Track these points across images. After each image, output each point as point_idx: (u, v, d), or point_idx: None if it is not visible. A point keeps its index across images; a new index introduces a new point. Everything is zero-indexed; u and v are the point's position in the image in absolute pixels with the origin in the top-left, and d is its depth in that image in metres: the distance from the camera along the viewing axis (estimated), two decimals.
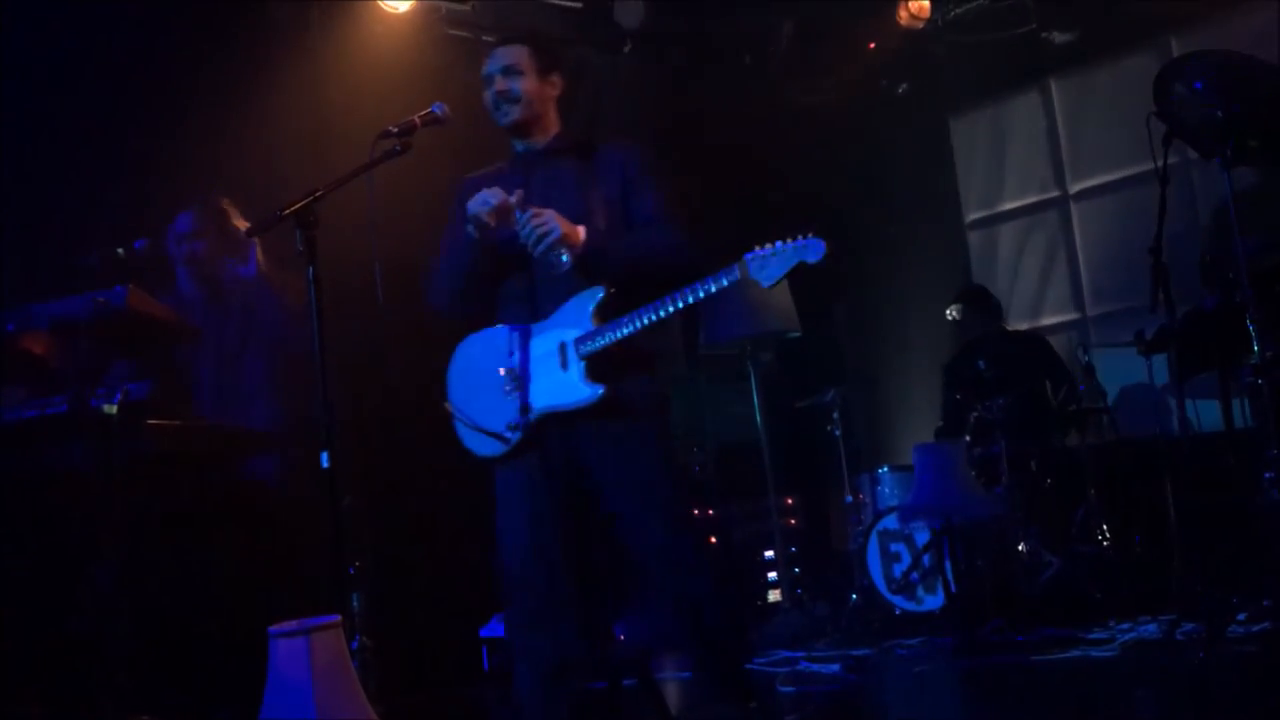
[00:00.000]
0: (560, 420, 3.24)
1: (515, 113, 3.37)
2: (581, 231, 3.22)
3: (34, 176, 4.21)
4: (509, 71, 3.37)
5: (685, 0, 6.21)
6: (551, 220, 3.18)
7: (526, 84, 3.37)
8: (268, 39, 4.89)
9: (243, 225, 4.15)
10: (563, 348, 3.25)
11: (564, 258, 3.20)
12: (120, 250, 3.87)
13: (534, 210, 3.20)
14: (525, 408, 3.25)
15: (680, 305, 3.15)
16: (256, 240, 4.14)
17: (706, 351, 6.14)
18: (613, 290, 3.25)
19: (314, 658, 2.31)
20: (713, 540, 5.97)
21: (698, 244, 3.35)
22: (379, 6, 5.29)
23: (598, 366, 3.22)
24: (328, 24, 5.15)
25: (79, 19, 4.41)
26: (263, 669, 2.47)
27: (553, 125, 3.49)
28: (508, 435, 3.25)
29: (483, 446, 3.31)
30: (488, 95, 3.39)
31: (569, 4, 6.06)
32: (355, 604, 3.64)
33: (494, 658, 4.88)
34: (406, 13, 5.35)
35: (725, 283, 3.14)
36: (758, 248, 3.14)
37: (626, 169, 3.42)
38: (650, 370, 3.38)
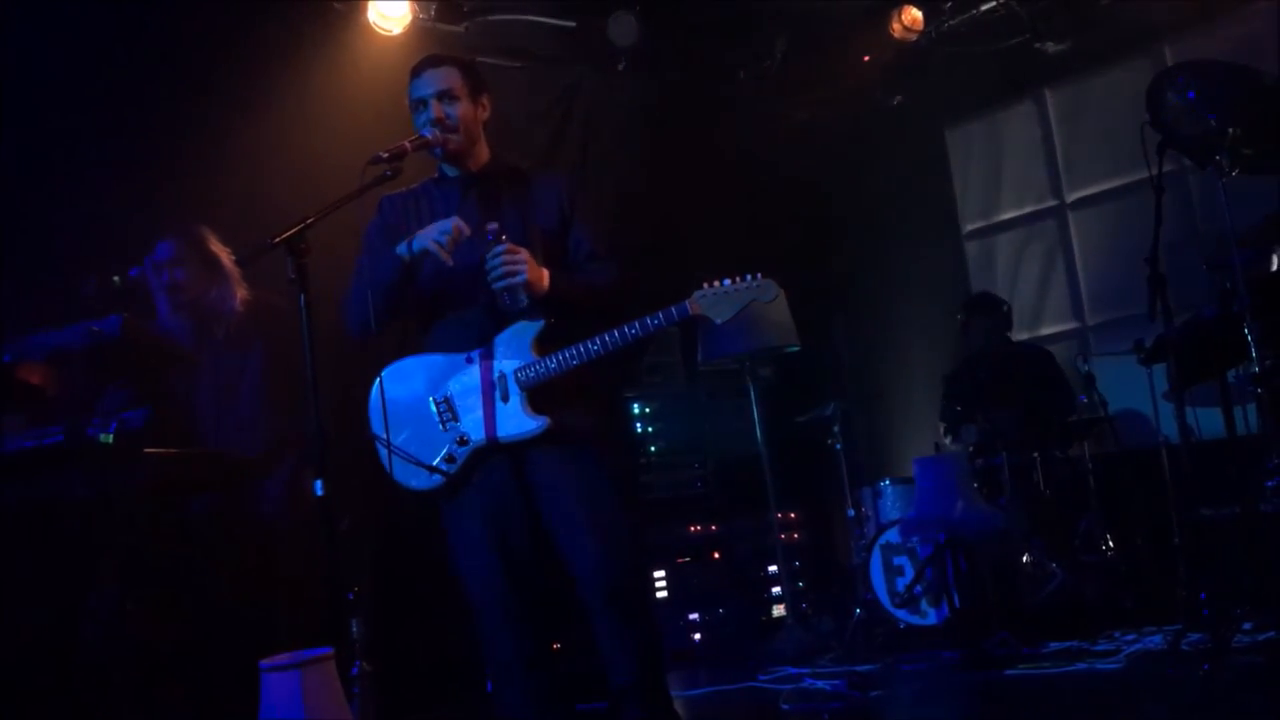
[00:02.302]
0: (501, 452, 3.22)
1: (454, 141, 3.32)
2: (546, 277, 3.21)
3: (28, 205, 4.21)
4: (444, 97, 3.31)
5: (679, 17, 6.22)
6: (524, 263, 3.16)
7: (462, 109, 3.33)
8: (259, 62, 4.88)
9: (221, 251, 4.14)
10: (502, 378, 3.22)
11: (523, 300, 3.18)
12: (116, 278, 3.88)
13: (509, 246, 3.17)
14: (463, 439, 3.22)
15: (627, 339, 3.15)
16: (235, 266, 4.13)
17: (706, 367, 6.14)
18: (552, 321, 3.24)
19: (306, 691, 2.30)
20: (716, 555, 5.95)
21: (632, 281, 3.37)
22: (371, 28, 5.30)
23: (538, 397, 3.21)
24: (320, 46, 5.15)
25: (72, 45, 4.42)
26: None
27: (484, 150, 3.44)
28: (443, 468, 3.21)
29: (414, 479, 3.24)
30: (420, 120, 3.31)
31: (563, 22, 6.07)
32: (354, 629, 3.63)
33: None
34: (399, 35, 5.36)
35: (676, 317, 3.16)
36: (706, 285, 3.18)
37: (562, 201, 3.40)
38: (591, 399, 3.36)
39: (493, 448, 3.22)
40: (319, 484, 2.71)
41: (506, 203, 3.34)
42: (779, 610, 6.01)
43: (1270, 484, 4.02)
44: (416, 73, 3.36)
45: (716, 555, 5.95)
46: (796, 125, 7.26)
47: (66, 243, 4.26)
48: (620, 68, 6.21)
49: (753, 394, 5.85)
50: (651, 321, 3.15)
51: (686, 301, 3.17)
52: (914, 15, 6.42)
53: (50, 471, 3.38)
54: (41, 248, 4.24)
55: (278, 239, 2.79)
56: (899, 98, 7.23)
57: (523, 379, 3.20)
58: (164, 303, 4.09)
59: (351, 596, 3.57)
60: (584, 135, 6.22)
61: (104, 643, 3.36)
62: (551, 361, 3.19)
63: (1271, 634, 3.85)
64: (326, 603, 2.95)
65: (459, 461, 3.22)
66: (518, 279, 3.16)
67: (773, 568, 6.06)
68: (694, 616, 5.76)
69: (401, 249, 3.20)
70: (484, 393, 3.22)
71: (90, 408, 3.57)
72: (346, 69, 5.13)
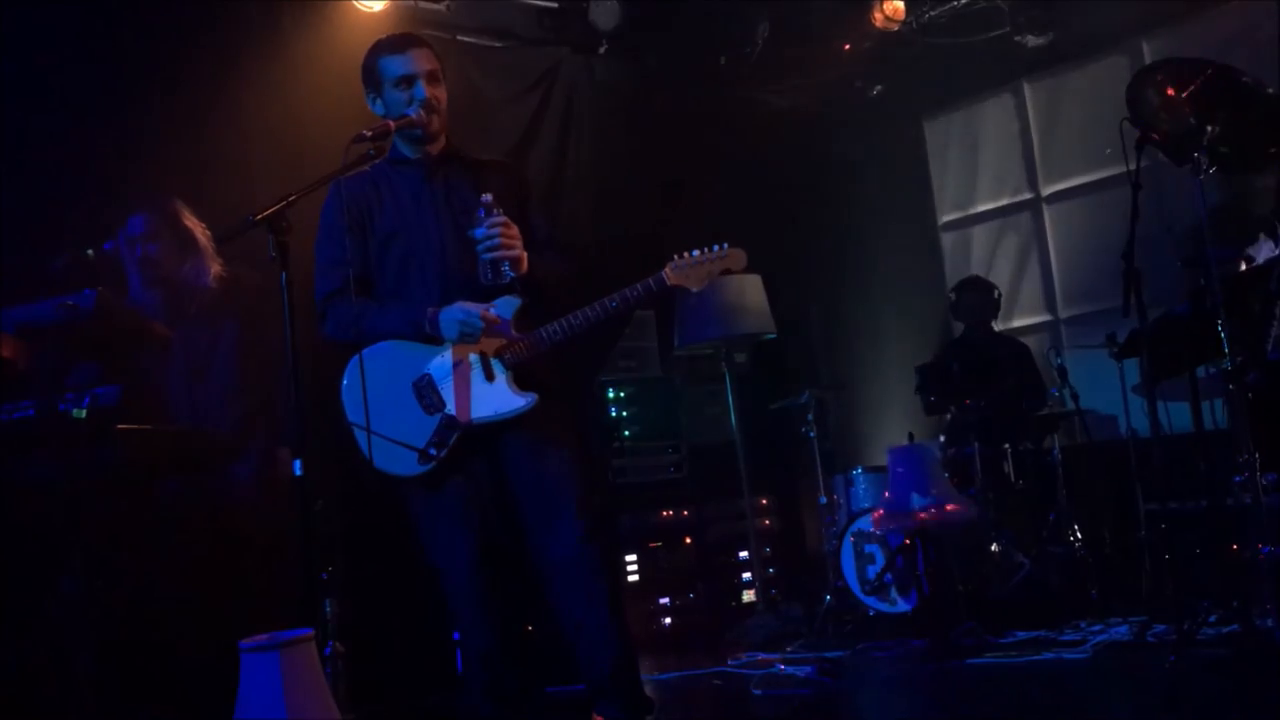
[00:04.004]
0: (484, 432, 3.22)
1: (435, 122, 3.31)
2: (525, 257, 3.22)
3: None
4: (433, 78, 3.30)
5: (661, 1, 6.20)
6: (519, 237, 3.19)
7: (442, 92, 3.34)
8: (239, 39, 4.82)
9: (195, 226, 4.10)
10: (484, 358, 3.21)
11: (506, 275, 3.18)
12: (89, 252, 3.83)
13: (505, 220, 3.18)
14: (450, 422, 3.20)
15: (609, 312, 3.19)
16: (209, 241, 4.09)
17: (681, 353, 6.15)
18: (528, 300, 3.26)
19: (285, 672, 2.29)
20: (688, 540, 5.97)
21: (585, 270, 3.47)
22: (353, 6, 5.24)
23: (523, 376, 3.22)
24: (300, 24, 5.09)
25: (45, 19, 4.35)
26: (235, 679, 2.44)
27: (444, 136, 3.44)
28: (432, 452, 3.18)
29: (398, 465, 3.20)
30: (399, 97, 3.28)
31: (545, 4, 6.04)
32: (328, 609, 3.62)
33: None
34: (380, 12, 5.30)
35: (654, 288, 3.22)
36: (677, 257, 3.25)
37: (517, 189, 3.42)
38: (565, 379, 3.43)
39: (478, 430, 3.21)
40: (298, 464, 2.69)
41: (469, 188, 3.33)
42: (750, 596, 6.04)
43: (1238, 479, 4.08)
44: (399, 48, 3.32)
45: (688, 540, 5.96)
46: (776, 112, 7.26)
47: (39, 217, 4.20)
48: (601, 51, 6.19)
49: (728, 380, 5.87)
50: (631, 294, 3.20)
51: (663, 272, 3.24)
52: (895, 5, 6.44)
53: (20, 447, 3.34)
54: (13, 221, 4.18)
55: (259, 216, 2.76)
56: (878, 88, 7.25)
57: (507, 357, 3.21)
58: (136, 277, 4.05)
59: (325, 577, 3.56)
60: (563, 117, 6.19)
61: (69, 624, 3.33)
62: (540, 339, 3.21)
63: (1236, 627, 3.90)
64: (300, 583, 2.94)
65: (448, 445, 3.19)
66: (514, 252, 3.16)
67: (744, 554, 6.08)
68: (664, 601, 5.78)
69: (427, 326, 3.20)
70: (468, 373, 3.21)
71: (62, 383, 3.52)
72: (327, 46, 5.06)
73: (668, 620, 5.77)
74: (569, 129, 6.20)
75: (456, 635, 4.87)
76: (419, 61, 3.29)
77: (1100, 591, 4.97)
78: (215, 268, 4.12)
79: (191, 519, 3.73)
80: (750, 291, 5.78)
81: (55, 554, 3.35)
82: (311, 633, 2.45)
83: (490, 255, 3.16)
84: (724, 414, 5.91)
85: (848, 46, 6.79)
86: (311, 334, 3.27)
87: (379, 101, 3.34)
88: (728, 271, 3.31)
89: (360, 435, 3.19)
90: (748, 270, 5.52)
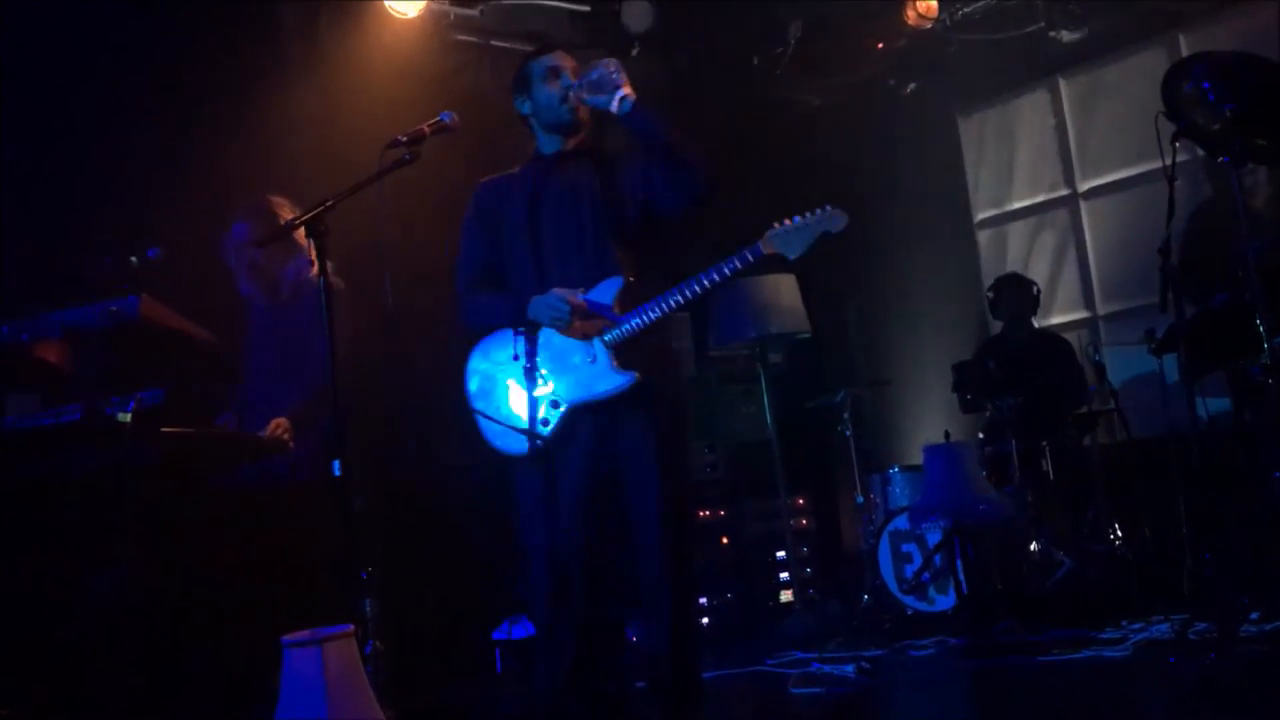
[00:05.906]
0: (591, 411, 3.31)
1: (578, 119, 3.50)
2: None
3: (43, 184, 4.23)
4: (577, 75, 3.45)
5: (693, 3, 6.22)
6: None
7: None
8: (275, 45, 4.91)
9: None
10: (587, 340, 3.32)
11: (627, 104, 3.25)
12: (134, 258, 3.89)
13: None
14: (556, 402, 3.32)
15: (704, 288, 3.25)
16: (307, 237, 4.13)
17: (717, 353, 6.16)
18: (631, 279, 3.32)
19: (327, 667, 2.33)
20: (725, 540, 5.98)
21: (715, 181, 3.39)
22: (387, 11, 5.30)
23: (624, 355, 3.30)
24: (335, 29, 5.16)
25: (86, 24, 4.43)
26: (275, 678, 2.48)
27: (585, 131, 3.60)
28: (541, 431, 3.29)
29: (512, 445, 3.35)
30: (553, 87, 3.43)
31: (577, 7, 6.08)
32: (368, 609, 3.65)
33: (506, 660, 4.90)
34: (414, 18, 5.36)
35: (750, 259, 3.27)
36: (776, 224, 3.28)
37: (645, 171, 3.49)
38: (671, 361, 3.49)
39: (584, 409, 3.31)
40: (337, 464, 2.73)
41: (590, 176, 3.48)
42: (787, 595, 6.03)
43: (1278, 474, 4.04)
44: (546, 50, 3.56)
45: (725, 540, 5.97)
46: (810, 111, 7.25)
47: (82, 222, 4.28)
48: (634, 53, 6.21)
49: (763, 380, 5.87)
50: (727, 266, 3.25)
51: (759, 242, 3.28)
52: (928, 3, 6.41)
53: (67, 449, 3.40)
54: (57, 227, 4.26)
55: (298, 221, 2.81)
56: (912, 85, 7.22)
57: (608, 337, 3.29)
58: (245, 280, 4.14)
59: (366, 576, 3.60)
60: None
61: (105, 622, 3.38)
62: (635, 318, 3.28)
63: (1278, 624, 3.86)
64: (340, 582, 2.98)
65: (553, 425, 3.31)
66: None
67: (781, 553, 6.08)
68: (703, 600, 5.79)
69: (530, 313, 3.33)
70: (571, 354, 3.33)
71: (110, 387, 3.58)
72: (362, 51, 5.14)
73: (705, 619, 5.78)
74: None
75: (496, 635, 4.94)
76: (564, 59, 3.50)
77: (1140, 589, 4.93)
78: (315, 263, 4.17)
79: (235, 518, 3.77)
80: (785, 291, 5.78)
81: (97, 553, 3.41)
82: (352, 628, 2.49)
83: (603, 78, 3.25)
84: (760, 413, 5.92)
85: (881, 44, 6.76)
86: (351, 335, 3.32)
87: (528, 102, 3.52)
88: (826, 234, 3.30)
89: (479, 419, 3.39)
90: (782, 270, 5.59)
